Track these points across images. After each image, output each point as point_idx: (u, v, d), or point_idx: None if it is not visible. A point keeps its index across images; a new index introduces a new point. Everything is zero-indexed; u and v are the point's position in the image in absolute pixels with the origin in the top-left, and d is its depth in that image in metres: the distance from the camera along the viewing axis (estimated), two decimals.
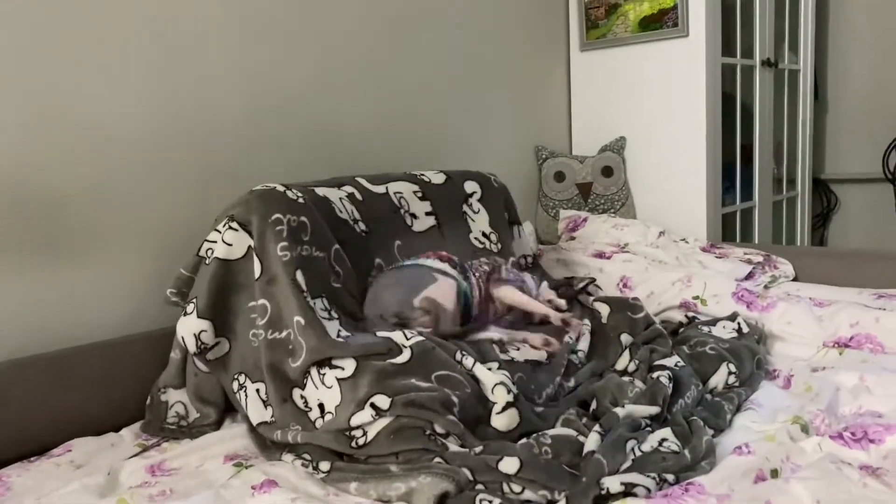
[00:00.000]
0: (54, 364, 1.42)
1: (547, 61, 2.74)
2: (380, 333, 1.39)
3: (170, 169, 1.69)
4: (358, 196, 1.71)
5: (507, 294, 1.68)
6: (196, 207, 1.70)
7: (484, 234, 1.93)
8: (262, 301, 1.42)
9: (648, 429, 1.25)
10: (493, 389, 1.30)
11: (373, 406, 1.22)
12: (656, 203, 2.64)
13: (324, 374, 1.32)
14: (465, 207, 1.92)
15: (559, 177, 2.68)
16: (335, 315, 1.44)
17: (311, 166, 1.92)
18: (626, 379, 1.41)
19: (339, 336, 1.39)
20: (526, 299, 1.68)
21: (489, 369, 1.33)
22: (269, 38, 1.86)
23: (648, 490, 1.04)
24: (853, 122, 3.44)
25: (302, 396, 1.34)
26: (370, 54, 2.11)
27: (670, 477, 1.07)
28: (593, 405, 1.37)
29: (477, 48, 2.44)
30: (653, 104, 2.61)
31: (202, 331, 1.43)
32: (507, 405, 1.27)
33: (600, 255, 2.25)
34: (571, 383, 1.48)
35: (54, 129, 1.50)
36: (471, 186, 1.97)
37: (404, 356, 1.33)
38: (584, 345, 1.60)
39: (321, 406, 1.31)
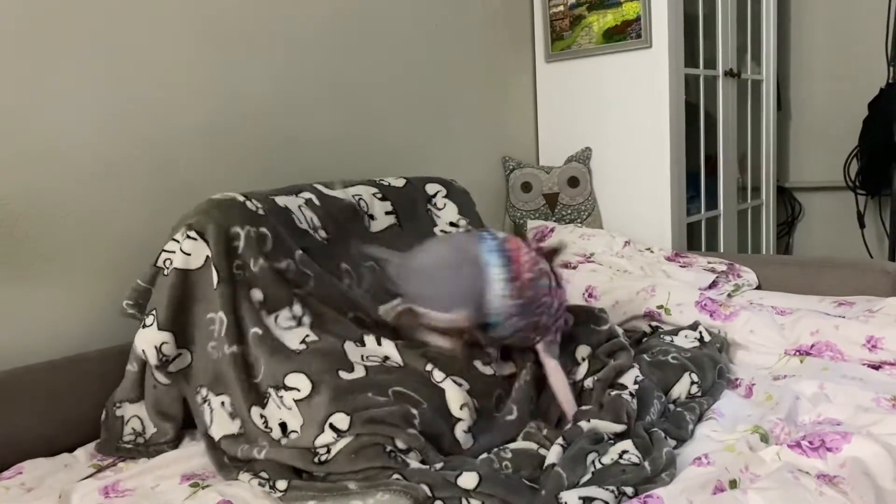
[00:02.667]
0: (5, 384, 1.38)
1: (513, 72, 2.75)
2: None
3: (127, 184, 1.66)
4: (316, 201, 1.68)
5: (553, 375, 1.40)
6: (154, 223, 1.67)
7: (452, 224, 1.92)
8: (220, 313, 1.39)
9: (611, 441, 1.25)
10: (460, 408, 1.30)
11: (332, 427, 1.21)
12: (622, 213, 2.66)
13: (282, 397, 1.31)
14: (429, 206, 1.91)
15: (526, 187, 2.68)
16: (306, 321, 1.41)
17: (271, 178, 1.90)
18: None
19: (303, 343, 1.38)
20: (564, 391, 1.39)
21: (459, 385, 1.33)
22: (228, 49, 1.84)
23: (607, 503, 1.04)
24: (815, 131, 3.49)
25: (262, 416, 1.32)
26: (333, 66, 2.10)
27: (629, 490, 1.07)
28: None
29: (443, 59, 2.44)
30: (617, 115, 2.63)
31: (163, 343, 1.40)
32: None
33: (566, 265, 2.26)
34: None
35: (7, 143, 1.47)
36: (433, 188, 1.96)
37: (358, 372, 1.32)
38: None
39: (283, 426, 1.29)
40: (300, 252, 1.51)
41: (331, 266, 1.59)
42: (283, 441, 1.28)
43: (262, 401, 1.33)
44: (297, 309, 1.41)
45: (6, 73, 1.47)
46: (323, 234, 1.64)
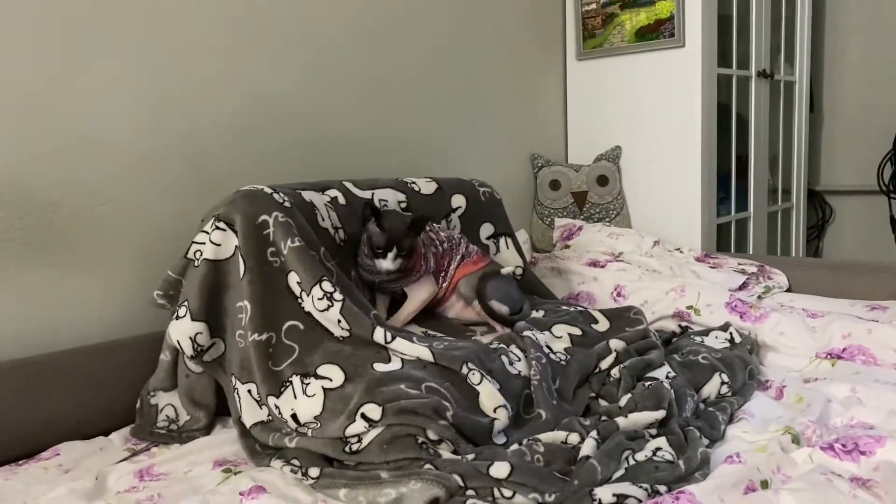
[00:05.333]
0: (44, 367, 1.42)
1: (544, 70, 2.74)
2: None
3: (161, 175, 1.69)
4: (341, 200, 1.70)
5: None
6: (187, 213, 1.69)
7: None
8: (245, 301, 1.42)
9: (648, 438, 1.24)
10: (494, 410, 1.31)
11: (364, 417, 1.22)
12: (651, 212, 2.65)
13: (308, 384, 1.32)
14: (443, 223, 1.91)
15: (554, 185, 2.68)
16: (338, 297, 1.42)
17: (303, 173, 1.92)
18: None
19: (341, 329, 1.39)
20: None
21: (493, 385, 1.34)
22: (261, 45, 1.86)
23: (639, 501, 1.04)
24: (848, 134, 3.45)
25: (276, 406, 1.33)
26: (364, 63, 2.11)
27: (662, 488, 1.07)
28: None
29: (473, 56, 2.45)
30: (649, 114, 2.61)
31: (198, 333, 1.42)
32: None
33: (594, 264, 2.25)
34: (557, 384, 1.47)
35: (47, 135, 1.50)
36: (457, 201, 1.95)
37: (395, 364, 1.33)
38: (561, 346, 1.59)
39: (294, 416, 1.30)
40: (323, 249, 1.53)
41: (342, 270, 1.61)
42: (300, 431, 1.29)
43: (277, 390, 1.35)
44: (328, 285, 1.42)
45: (46, 67, 1.50)
46: (342, 235, 1.66)
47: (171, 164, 1.70)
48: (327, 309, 1.41)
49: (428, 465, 1.13)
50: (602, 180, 2.66)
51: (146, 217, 1.66)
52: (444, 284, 1.73)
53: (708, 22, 2.48)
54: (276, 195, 1.52)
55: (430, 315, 1.74)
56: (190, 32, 1.72)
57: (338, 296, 1.42)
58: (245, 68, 1.83)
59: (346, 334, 1.41)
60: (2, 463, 1.32)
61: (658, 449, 1.18)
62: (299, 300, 1.43)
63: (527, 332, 1.55)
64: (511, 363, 1.45)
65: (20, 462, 1.33)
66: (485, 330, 1.71)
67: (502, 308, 1.70)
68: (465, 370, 1.35)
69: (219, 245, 1.45)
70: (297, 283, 1.43)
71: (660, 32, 2.53)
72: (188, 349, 1.42)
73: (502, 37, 2.55)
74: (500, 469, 1.09)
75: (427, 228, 1.73)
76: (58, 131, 1.52)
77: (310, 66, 1.98)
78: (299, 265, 1.43)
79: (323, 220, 1.61)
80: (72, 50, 1.53)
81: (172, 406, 1.47)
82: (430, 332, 1.63)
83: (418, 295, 1.69)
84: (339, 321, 1.40)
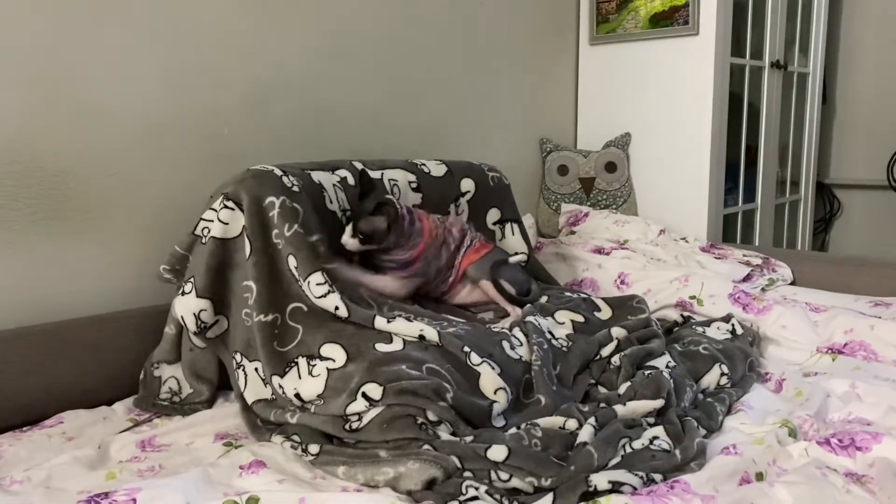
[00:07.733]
0: (50, 336, 1.43)
1: (555, 54, 2.73)
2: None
3: (171, 148, 1.69)
4: (350, 181, 1.70)
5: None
6: (195, 187, 1.70)
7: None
8: (250, 282, 1.42)
9: (645, 427, 1.25)
10: (494, 392, 1.31)
11: (364, 396, 1.23)
12: (658, 201, 2.64)
13: (314, 365, 1.33)
14: (451, 207, 1.91)
15: (562, 170, 2.67)
16: (336, 288, 1.43)
17: (311, 150, 1.92)
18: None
19: (336, 310, 1.39)
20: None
21: (493, 368, 1.35)
22: (272, 20, 1.85)
23: (635, 489, 1.05)
24: (860, 128, 3.42)
25: (280, 385, 1.34)
26: (375, 40, 2.10)
27: (658, 477, 1.08)
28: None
29: (485, 38, 2.43)
30: (660, 101, 2.60)
31: (202, 310, 1.43)
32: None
33: (599, 251, 2.25)
34: (557, 370, 1.47)
35: (57, 104, 1.50)
36: (466, 185, 1.93)
37: (396, 344, 1.34)
38: (563, 332, 1.60)
39: (297, 395, 1.31)
40: (324, 237, 1.53)
41: (342, 253, 1.61)
42: (297, 414, 1.30)
43: (283, 370, 1.35)
44: (322, 276, 1.43)
45: (57, 36, 1.49)
46: (349, 216, 1.66)
47: (181, 135, 1.71)
48: (325, 295, 1.41)
49: (426, 446, 1.14)
50: (610, 167, 2.65)
51: (154, 188, 1.67)
52: (452, 279, 1.73)
53: (723, 10, 2.46)
54: (285, 178, 1.50)
55: (435, 301, 1.74)
56: (202, 4, 1.71)
57: (335, 287, 1.42)
58: (257, 42, 1.83)
59: (345, 315, 1.41)
60: (6, 429, 1.34)
61: (655, 438, 1.19)
62: (298, 283, 1.43)
63: (530, 318, 1.55)
64: (513, 347, 1.46)
65: (24, 429, 1.35)
66: (492, 317, 1.71)
67: (511, 288, 1.72)
68: (465, 348, 1.36)
69: (227, 224, 1.46)
70: (295, 267, 1.43)
71: (674, 19, 2.51)
72: (192, 325, 1.43)
73: (515, 19, 2.53)
74: (497, 452, 1.10)
75: (441, 223, 1.72)
76: (68, 100, 1.52)
77: (322, 42, 1.97)
78: (297, 251, 1.43)
79: (331, 202, 1.61)
80: (83, 18, 1.52)
81: (175, 379, 1.48)
82: (434, 314, 1.64)
83: (385, 282, 1.60)
84: (337, 308, 1.40)
